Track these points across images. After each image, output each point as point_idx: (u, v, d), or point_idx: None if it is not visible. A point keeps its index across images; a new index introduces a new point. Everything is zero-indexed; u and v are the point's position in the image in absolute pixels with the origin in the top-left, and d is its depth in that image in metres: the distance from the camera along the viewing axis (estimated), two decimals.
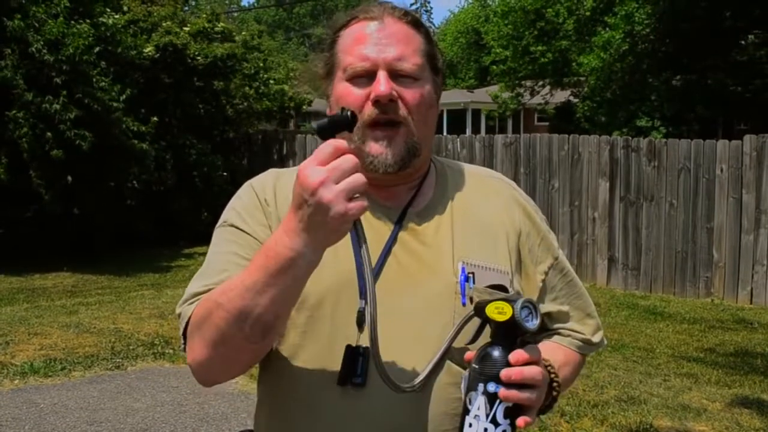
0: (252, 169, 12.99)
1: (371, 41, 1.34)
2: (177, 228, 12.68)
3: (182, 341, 1.34)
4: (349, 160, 1.11)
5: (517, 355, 1.17)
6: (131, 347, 6.55)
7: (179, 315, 1.34)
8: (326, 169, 1.09)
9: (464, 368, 1.30)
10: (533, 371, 1.18)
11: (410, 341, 1.29)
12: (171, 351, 6.34)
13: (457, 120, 32.78)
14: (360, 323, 1.28)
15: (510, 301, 1.19)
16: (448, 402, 1.31)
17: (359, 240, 1.19)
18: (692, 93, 14.88)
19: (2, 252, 10.59)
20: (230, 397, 5.33)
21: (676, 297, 9.03)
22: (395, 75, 1.33)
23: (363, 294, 1.29)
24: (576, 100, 20.70)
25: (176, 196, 12.71)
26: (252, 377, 5.21)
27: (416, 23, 1.39)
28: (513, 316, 1.16)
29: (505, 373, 1.16)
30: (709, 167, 8.89)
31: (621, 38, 16.84)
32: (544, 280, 1.45)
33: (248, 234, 1.36)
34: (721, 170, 8.81)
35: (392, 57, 1.33)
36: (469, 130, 31.36)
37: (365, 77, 1.33)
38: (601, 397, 5.37)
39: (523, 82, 23.93)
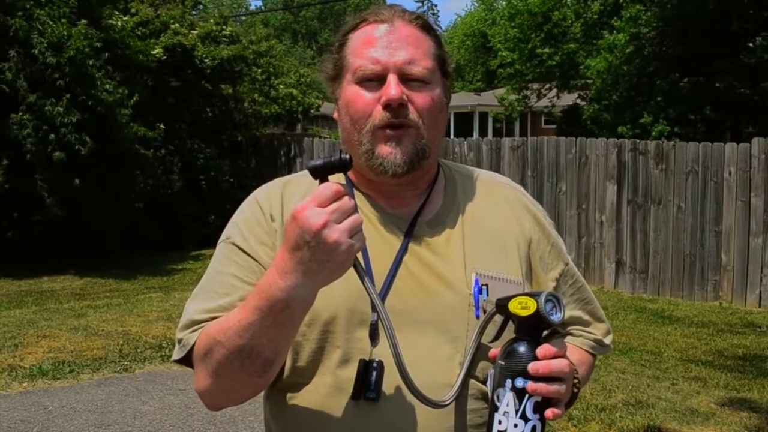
0: (259, 173, 13.02)
1: (381, 44, 1.32)
2: (184, 231, 12.70)
3: (177, 360, 1.35)
4: (348, 202, 1.12)
5: (545, 349, 1.18)
6: (139, 350, 6.56)
7: (180, 340, 1.34)
8: (327, 211, 1.10)
9: (481, 380, 1.31)
10: (561, 364, 1.18)
11: (423, 354, 1.28)
12: None
13: (464, 123, 32.75)
14: (372, 336, 1.27)
15: (533, 295, 1.19)
16: (463, 414, 1.30)
17: (359, 270, 1.20)
18: (700, 96, 14.83)
19: (11, 255, 10.63)
20: None
21: (684, 300, 9.00)
22: (405, 79, 1.31)
23: (375, 307, 1.27)
24: (583, 103, 20.64)
25: (183, 200, 12.74)
26: None
27: (427, 27, 1.37)
28: (537, 310, 1.17)
29: (532, 367, 1.16)
30: (717, 170, 8.87)
31: (627, 41, 16.80)
32: (555, 288, 1.44)
33: (248, 254, 1.34)
34: (730, 173, 8.78)
35: (402, 60, 1.31)
36: (476, 133, 31.33)
37: (375, 81, 1.31)
38: (609, 401, 5.35)
39: (530, 85, 23.89)
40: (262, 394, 1.40)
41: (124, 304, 8.54)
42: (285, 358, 1.27)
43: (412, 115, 1.31)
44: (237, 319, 1.18)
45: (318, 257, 1.10)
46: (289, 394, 1.33)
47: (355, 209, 1.13)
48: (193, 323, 1.32)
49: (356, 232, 1.12)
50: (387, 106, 1.30)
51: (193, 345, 1.30)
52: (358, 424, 1.27)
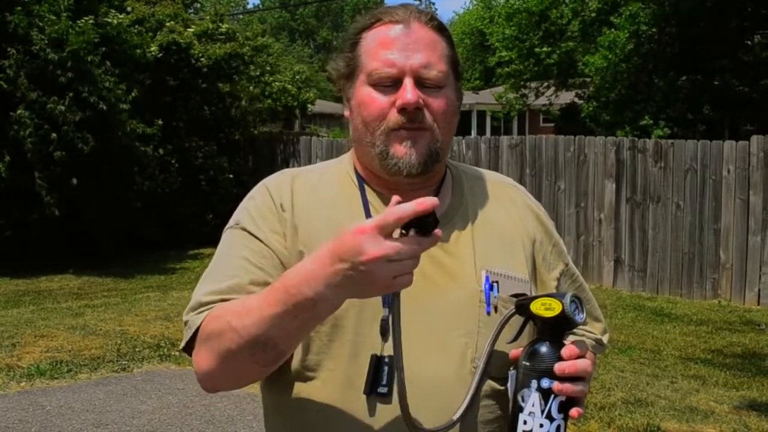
0: (257, 171, 13.00)
1: (397, 46, 1.31)
2: (183, 230, 12.69)
3: (183, 346, 1.32)
4: (413, 249, 1.07)
5: (570, 350, 1.19)
6: (137, 349, 6.55)
7: (186, 322, 1.32)
8: (389, 246, 1.05)
9: (498, 379, 1.30)
10: (584, 364, 1.20)
11: (434, 351, 1.28)
12: (177, 353, 6.34)
13: (462, 121, 32.46)
14: (383, 332, 1.27)
15: (557, 296, 1.20)
16: (476, 409, 1.29)
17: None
18: (698, 94, 14.84)
19: (8, 254, 10.61)
20: (237, 399, 5.33)
21: (683, 298, 9.00)
22: (421, 82, 1.30)
23: (386, 302, 1.27)
24: (581, 101, 20.65)
25: (182, 199, 12.73)
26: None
27: (440, 28, 1.37)
28: (563, 311, 1.18)
29: (559, 367, 1.18)
30: (716, 168, 8.87)
31: (626, 38, 16.80)
32: (556, 287, 1.45)
33: (261, 241, 1.33)
34: (728, 171, 8.78)
35: (419, 64, 1.30)
36: (474, 132, 31.32)
37: (390, 83, 1.31)
38: (608, 400, 5.35)
39: (528, 84, 23.87)
40: (261, 390, 1.40)
41: (122, 303, 8.53)
42: (295, 350, 1.27)
43: (428, 118, 1.31)
44: (258, 308, 1.16)
45: (356, 278, 1.07)
46: (296, 389, 1.31)
47: (417, 255, 1.07)
48: (200, 305, 1.30)
49: (403, 273, 1.08)
50: (403, 110, 1.29)
51: (199, 326, 1.27)
52: (369, 418, 1.26)
